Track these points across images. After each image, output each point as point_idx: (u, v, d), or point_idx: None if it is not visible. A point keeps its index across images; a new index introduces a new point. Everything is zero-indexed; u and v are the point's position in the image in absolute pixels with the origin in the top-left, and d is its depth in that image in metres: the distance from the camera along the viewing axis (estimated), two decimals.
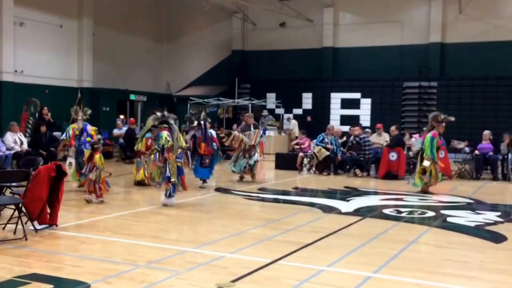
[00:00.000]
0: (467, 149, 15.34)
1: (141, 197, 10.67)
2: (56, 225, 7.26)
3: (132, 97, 24.56)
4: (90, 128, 11.18)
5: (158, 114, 9.55)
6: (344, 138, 16.10)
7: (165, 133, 9.20)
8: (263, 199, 10.59)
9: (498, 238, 7.19)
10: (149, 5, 26.46)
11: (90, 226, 7.62)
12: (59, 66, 21.23)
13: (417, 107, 23.16)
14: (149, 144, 11.34)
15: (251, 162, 12.75)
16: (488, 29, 21.90)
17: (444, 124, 11.41)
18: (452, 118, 11.65)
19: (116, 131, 19.18)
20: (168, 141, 9.14)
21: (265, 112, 23.70)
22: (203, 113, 12.19)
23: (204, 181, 11.86)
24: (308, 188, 12.71)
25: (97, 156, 9.34)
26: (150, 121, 9.97)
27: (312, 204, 9.80)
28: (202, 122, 11.65)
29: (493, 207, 9.82)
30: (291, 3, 24.34)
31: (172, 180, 9.19)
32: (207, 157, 11.66)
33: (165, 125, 9.36)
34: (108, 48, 23.42)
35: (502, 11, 22.13)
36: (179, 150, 9.44)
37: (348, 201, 10.28)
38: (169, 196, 9.29)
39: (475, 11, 22.21)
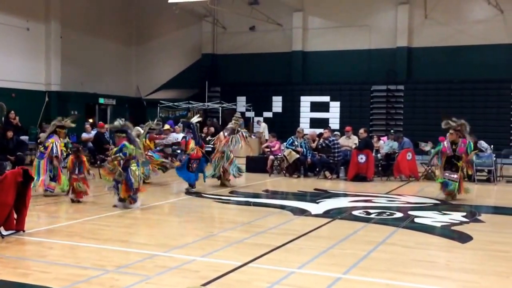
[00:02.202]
0: (433, 151, 15.60)
1: (110, 201, 10.52)
2: (23, 231, 7.12)
3: (101, 100, 24.30)
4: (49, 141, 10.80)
5: (118, 123, 9.65)
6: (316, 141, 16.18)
7: (127, 143, 9.32)
8: (234, 202, 10.59)
9: (464, 238, 7.34)
10: (118, 8, 26.22)
11: (58, 231, 7.50)
12: (26, 70, 20.87)
13: (385, 110, 23.56)
14: (151, 136, 13.22)
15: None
16: (452, 33, 22.44)
17: (451, 131, 10.75)
18: (453, 123, 10.83)
19: (84, 135, 18.91)
20: (133, 149, 9.30)
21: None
22: (195, 117, 12.29)
23: (191, 186, 11.64)
24: (278, 191, 12.77)
25: (86, 159, 9.92)
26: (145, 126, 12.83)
27: (282, 207, 9.84)
28: (192, 126, 11.72)
29: (458, 208, 10.02)
30: (260, 7, 24.46)
31: (135, 185, 9.25)
32: (194, 161, 11.55)
33: (123, 135, 9.44)
34: (77, 51, 23.12)
35: (465, 16, 22.71)
36: (140, 159, 9.54)
37: (318, 203, 10.35)
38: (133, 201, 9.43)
39: (440, 16, 22.72)
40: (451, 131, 10.71)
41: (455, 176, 10.73)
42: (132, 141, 9.46)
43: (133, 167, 9.24)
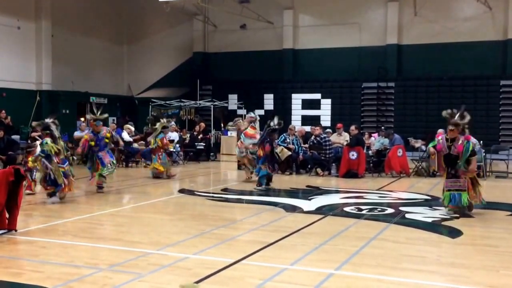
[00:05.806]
0: (423, 147, 15.72)
1: (101, 200, 10.53)
2: (15, 230, 7.11)
3: (93, 99, 24.22)
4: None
5: (43, 121, 9.95)
6: (302, 134, 16.23)
7: (49, 140, 9.53)
8: (226, 200, 10.62)
9: (454, 233, 7.42)
10: (109, 7, 26.13)
11: (50, 231, 7.49)
12: (17, 69, 20.77)
13: (376, 107, 23.66)
14: (165, 142, 13.92)
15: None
16: (442, 31, 22.58)
17: (450, 127, 8.77)
18: (458, 119, 8.85)
19: (77, 134, 18.84)
20: (52, 147, 9.46)
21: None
22: (276, 120, 12.57)
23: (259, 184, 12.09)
24: (270, 188, 12.80)
25: (30, 159, 10.20)
26: (159, 124, 13.89)
27: (275, 204, 9.88)
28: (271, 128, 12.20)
29: None
30: (251, 5, 24.48)
31: (59, 181, 9.48)
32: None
33: (47, 132, 9.66)
34: (68, 50, 23.03)
35: (454, 14, 22.85)
36: (62, 156, 9.70)
37: (310, 200, 10.40)
38: (51, 195, 9.63)
39: (429, 14, 22.84)
40: (450, 127, 8.77)
41: (460, 183, 8.70)
42: (53, 137, 9.63)
43: (54, 164, 9.42)
